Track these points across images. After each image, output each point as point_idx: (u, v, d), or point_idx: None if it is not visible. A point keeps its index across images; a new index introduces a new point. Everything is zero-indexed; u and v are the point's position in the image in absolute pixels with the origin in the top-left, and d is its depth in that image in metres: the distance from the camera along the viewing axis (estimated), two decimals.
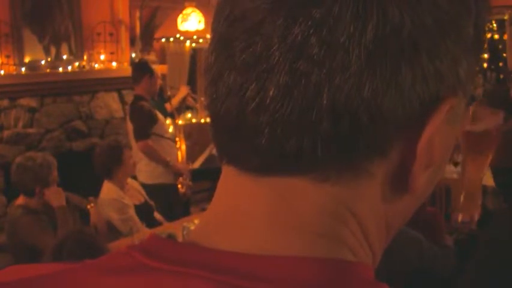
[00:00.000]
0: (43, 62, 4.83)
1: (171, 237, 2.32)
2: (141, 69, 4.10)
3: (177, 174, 4.22)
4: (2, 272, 0.42)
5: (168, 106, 4.76)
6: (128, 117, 4.18)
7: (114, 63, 5.29)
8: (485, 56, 7.53)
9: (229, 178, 0.39)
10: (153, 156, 4.01)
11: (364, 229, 0.38)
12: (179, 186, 4.26)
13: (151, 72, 4.06)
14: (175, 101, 5.08)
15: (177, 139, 4.44)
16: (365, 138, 0.34)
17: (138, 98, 4.04)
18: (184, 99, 5.55)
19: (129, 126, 4.11)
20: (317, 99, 0.33)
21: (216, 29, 0.38)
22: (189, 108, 6.42)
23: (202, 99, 6.50)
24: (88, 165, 3.65)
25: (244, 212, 0.38)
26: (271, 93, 0.34)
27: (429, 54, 0.34)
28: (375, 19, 0.33)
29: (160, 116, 4.14)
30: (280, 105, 0.34)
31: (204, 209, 4.68)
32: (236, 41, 0.36)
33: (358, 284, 0.36)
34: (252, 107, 0.35)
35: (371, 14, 0.33)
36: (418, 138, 0.36)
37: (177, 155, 4.39)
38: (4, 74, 4.57)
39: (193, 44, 6.44)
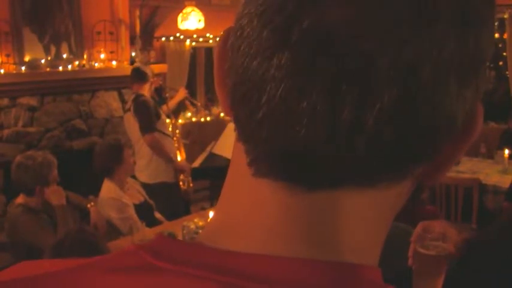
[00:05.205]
0: (43, 61, 4.83)
1: (171, 236, 2.32)
2: (139, 77, 4.14)
3: (178, 171, 4.22)
4: (10, 270, 0.42)
5: (164, 108, 4.72)
6: (129, 114, 4.17)
7: (114, 62, 5.30)
8: None
9: (252, 186, 0.38)
10: (159, 149, 4.01)
11: (377, 229, 0.39)
12: (180, 183, 4.27)
13: (148, 80, 4.14)
14: (172, 103, 4.96)
15: (175, 138, 4.44)
16: (429, 150, 0.36)
17: (139, 95, 4.07)
18: (181, 102, 5.50)
19: (131, 123, 4.10)
20: (418, 121, 0.34)
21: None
22: (186, 109, 6.38)
23: (199, 104, 6.50)
24: (88, 164, 3.66)
25: (256, 220, 0.38)
26: (372, 116, 0.33)
27: (483, 71, 0.36)
28: (471, 45, 0.34)
29: (161, 113, 4.15)
30: (382, 128, 0.33)
31: (204, 208, 4.68)
32: (318, 56, 0.32)
33: (366, 286, 0.36)
34: (346, 129, 0.33)
35: (467, 40, 0.34)
36: (462, 142, 0.38)
37: (176, 153, 4.39)
38: (4, 73, 4.57)
39: (193, 43, 6.45)
